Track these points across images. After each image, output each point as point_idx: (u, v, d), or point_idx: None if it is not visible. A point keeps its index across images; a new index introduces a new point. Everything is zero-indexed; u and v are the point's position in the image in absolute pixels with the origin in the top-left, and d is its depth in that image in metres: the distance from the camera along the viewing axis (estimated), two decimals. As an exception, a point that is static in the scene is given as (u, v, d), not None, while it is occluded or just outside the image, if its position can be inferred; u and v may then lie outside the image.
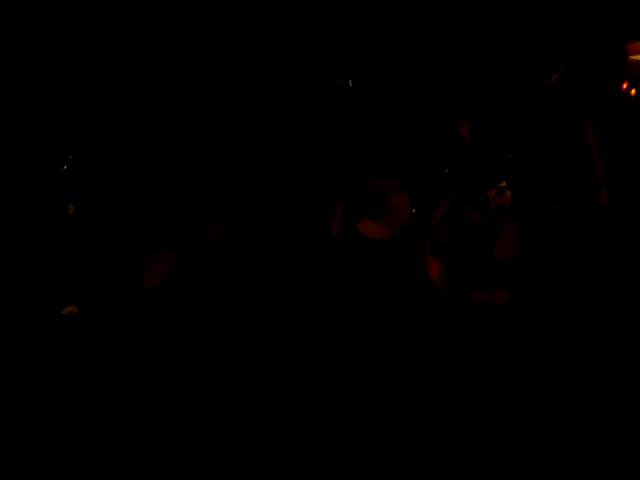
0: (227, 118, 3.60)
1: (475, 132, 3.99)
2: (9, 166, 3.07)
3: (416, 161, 3.93)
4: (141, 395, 3.41)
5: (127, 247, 3.29)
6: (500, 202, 3.98)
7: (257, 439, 3.40)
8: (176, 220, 3.41)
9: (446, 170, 3.84)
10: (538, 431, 3.51)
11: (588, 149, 4.04)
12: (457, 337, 3.80)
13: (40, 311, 3.15)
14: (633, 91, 4.83)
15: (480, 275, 3.82)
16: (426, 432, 3.52)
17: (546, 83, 4.37)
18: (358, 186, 3.78)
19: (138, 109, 3.45)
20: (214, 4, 4.12)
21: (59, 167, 3.41)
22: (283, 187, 3.76)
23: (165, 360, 3.47)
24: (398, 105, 4.12)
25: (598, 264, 4.08)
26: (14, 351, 3.10)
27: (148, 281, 3.42)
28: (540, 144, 4.06)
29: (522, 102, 4.16)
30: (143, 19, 3.91)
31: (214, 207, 3.45)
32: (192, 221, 3.43)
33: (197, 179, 3.37)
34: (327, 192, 3.82)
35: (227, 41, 4.05)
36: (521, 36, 4.51)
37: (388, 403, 3.69)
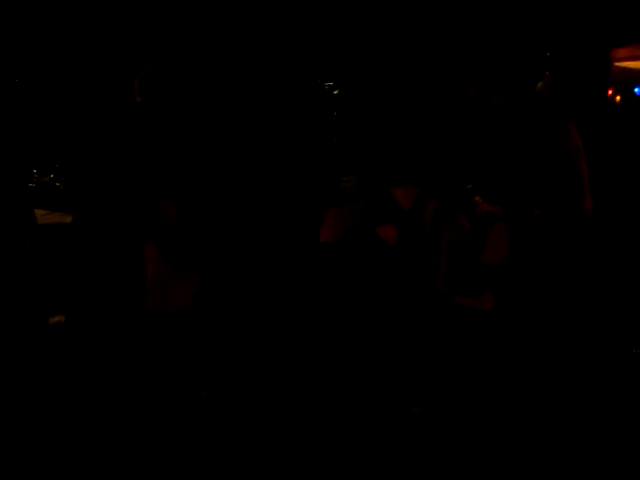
0: (218, 120, 3.56)
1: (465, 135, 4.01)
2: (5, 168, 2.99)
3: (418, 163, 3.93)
4: (129, 403, 3.36)
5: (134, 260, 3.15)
6: (488, 208, 3.98)
7: (247, 447, 3.37)
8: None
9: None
10: (529, 438, 3.50)
11: (573, 155, 4.05)
12: (446, 344, 3.79)
13: (27, 319, 3.09)
14: (618, 97, 4.86)
15: (468, 281, 3.81)
16: (417, 441, 3.51)
17: (532, 90, 4.39)
18: (383, 192, 3.76)
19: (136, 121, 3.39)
20: (206, 9, 4.09)
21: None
22: (270, 191, 3.73)
23: (154, 369, 3.42)
24: (392, 107, 4.12)
25: (584, 270, 4.10)
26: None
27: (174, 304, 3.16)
28: (525, 149, 4.07)
29: (510, 108, 4.17)
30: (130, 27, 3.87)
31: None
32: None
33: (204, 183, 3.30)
34: (317, 196, 3.79)
35: (219, 46, 4.02)
36: (509, 43, 4.54)
37: (379, 412, 3.67)
